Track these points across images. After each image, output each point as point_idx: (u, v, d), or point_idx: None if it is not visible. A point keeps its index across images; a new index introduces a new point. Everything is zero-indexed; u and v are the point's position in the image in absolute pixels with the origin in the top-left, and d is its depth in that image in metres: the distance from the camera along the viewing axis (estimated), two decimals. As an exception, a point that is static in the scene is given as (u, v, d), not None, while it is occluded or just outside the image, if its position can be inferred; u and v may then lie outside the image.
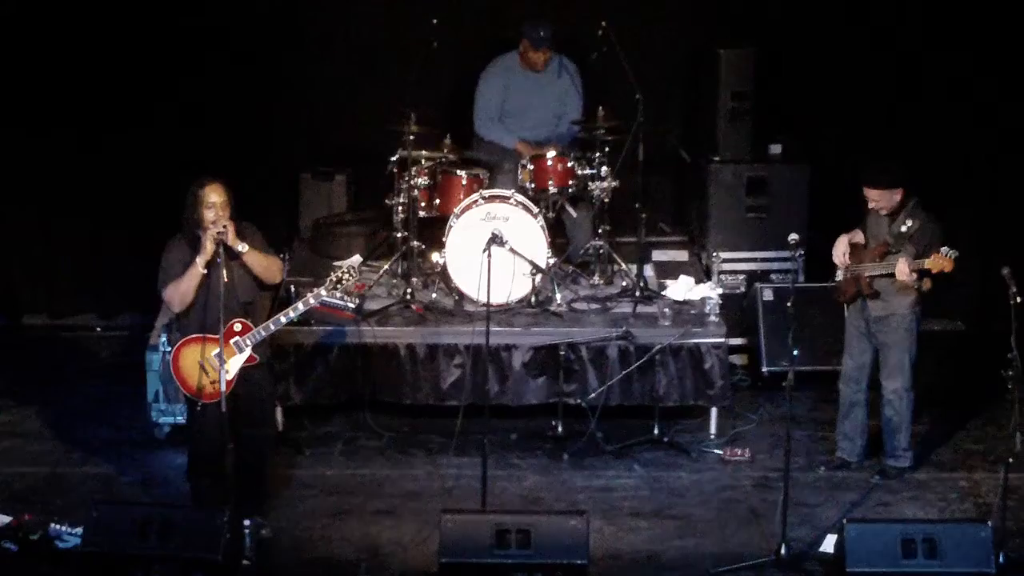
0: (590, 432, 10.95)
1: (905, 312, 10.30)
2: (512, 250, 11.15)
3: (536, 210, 11.62)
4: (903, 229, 10.20)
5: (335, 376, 11.21)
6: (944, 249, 9.90)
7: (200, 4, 12.69)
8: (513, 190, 11.73)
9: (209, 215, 9.42)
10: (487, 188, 11.81)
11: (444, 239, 11.58)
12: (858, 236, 10.44)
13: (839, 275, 10.50)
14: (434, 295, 11.70)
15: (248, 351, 9.53)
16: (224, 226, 9.37)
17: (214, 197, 9.44)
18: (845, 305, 10.52)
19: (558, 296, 11.58)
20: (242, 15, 12.76)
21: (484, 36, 12.86)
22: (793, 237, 10.24)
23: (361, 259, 12.16)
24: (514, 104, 12.38)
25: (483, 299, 10.40)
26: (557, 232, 12.11)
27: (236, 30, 12.76)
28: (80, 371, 12.32)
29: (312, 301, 9.77)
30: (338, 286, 9.75)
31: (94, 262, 13.11)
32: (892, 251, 10.20)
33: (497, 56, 12.44)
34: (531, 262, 11.30)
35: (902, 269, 10.05)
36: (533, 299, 11.49)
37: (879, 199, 10.26)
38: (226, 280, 9.39)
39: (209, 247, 9.37)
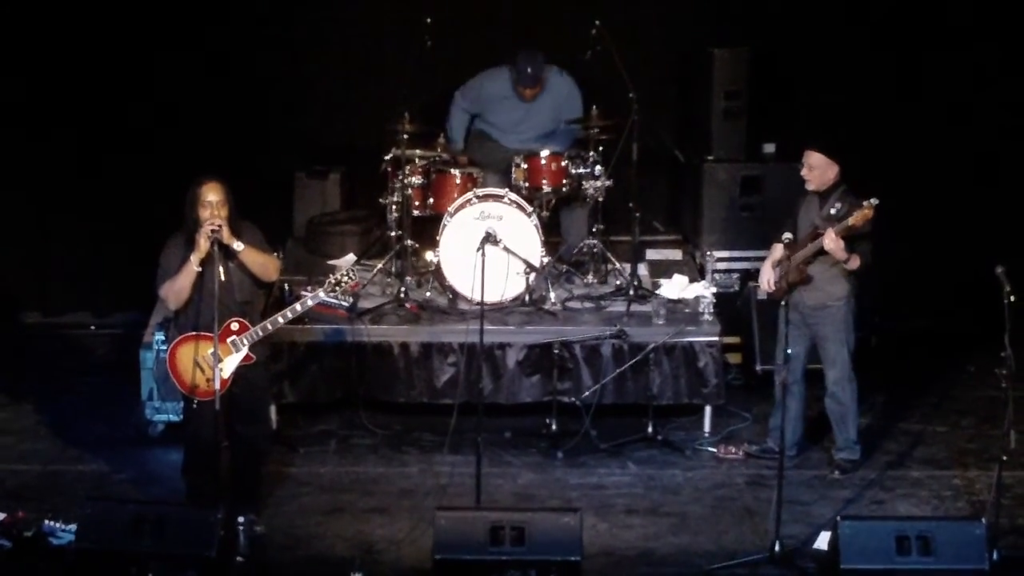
0: (584, 430, 10.96)
1: (839, 303, 10.28)
2: (506, 249, 11.17)
3: (530, 209, 11.63)
4: (832, 212, 10.14)
5: (329, 374, 11.22)
6: (864, 202, 9.88)
7: (196, 4, 12.69)
8: (507, 189, 11.74)
9: (205, 214, 9.42)
10: (481, 187, 11.81)
11: (438, 238, 11.59)
12: (777, 252, 10.39)
13: (762, 294, 10.50)
14: (428, 294, 11.71)
15: (245, 350, 9.53)
16: (218, 224, 9.37)
17: (211, 196, 9.44)
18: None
19: (552, 295, 11.59)
20: (238, 14, 12.77)
21: (478, 35, 12.86)
22: (787, 236, 10.27)
23: (355, 258, 12.18)
24: (506, 119, 12.34)
25: (477, 298, 10.38)
26: (551, 231, 12.11)
27: (232, 29, 12.77)
28: (74, 369, 12.31)
29: (310, 302, 9.77)
30: (337, 288, 9.75)
31: (89, 260, 13.09)
32: (821, 233, 10.17)
33: (502, 66, 12.37)
34: (525, 261, 11.31)
35: (830, 236, 9.99)
36: (527, 298, 11.50)
37: (815, 166, 10.23)
38: (222, 279, 9.39)
39: (203, 245, 9.37)
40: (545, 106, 12.30)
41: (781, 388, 10.35)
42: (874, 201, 9.83)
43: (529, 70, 12.10)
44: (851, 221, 9.89)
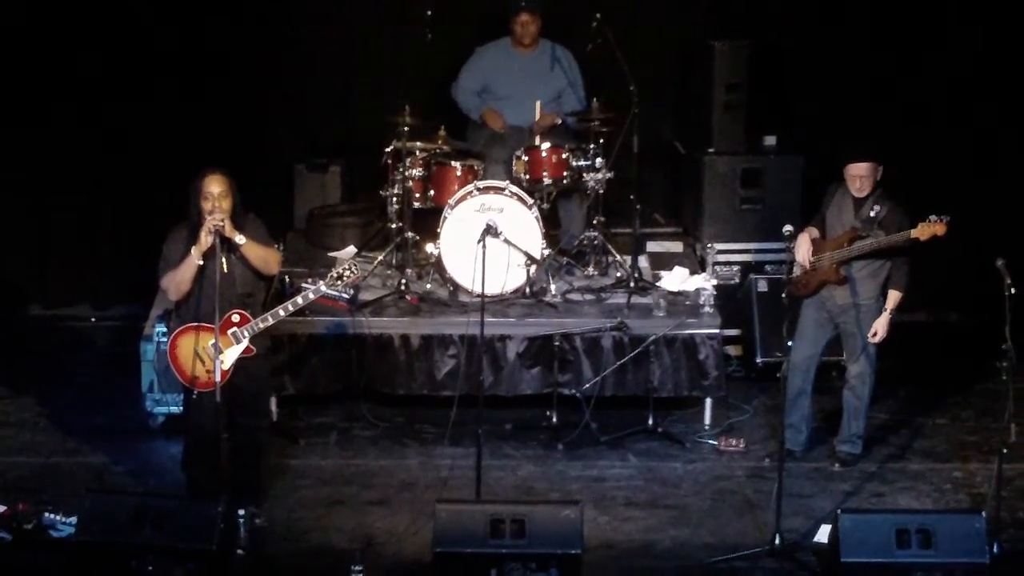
0: (584, 422, 10.96)
1: (869, 301, 10.28)
2: (507, 241, 11.16)
3: (530, 201, 11.62)
4: (872, 214, 10.16)
5: (330, 366, 11.22)
6: (933, 216, 9.87)
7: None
8: (507, 181, 11.73)
9: (207, 205, 9.42)
10: (481, 179, 11.80)
11: (438, 230, 11.58)
12: (814, 233, 10.39)
13: (796, 271, 10.41)
14: (429, 286, 11.71)
15: (245, 342, 9.53)
16: (221, 220, 9.36)
17: (213, 187, 9.44)
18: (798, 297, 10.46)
19: (553, 287, 11.59)
20: (238, 7, 12.76)
21: (478, 28, 12.85)
22: (787, 228, 10.26)
23: (355, 250, 12.17)
24: (503, 86, 12.33)
25: (478, 290, 10.39)
26: (551, 223, 12.11)
27: (231, 22, 12.75)
28: (75, 361, 12.33)
29: (312, 295, 9.78)
30: (338, 280, 9.75)
31: (89, 253, 13.11)
32: (862, 235, 10.16)
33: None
34: (526, 253, 11.31)
35: (883, 327, 10.13)
36: (528, 290, 11.49)
37: (867, 175, 10.19)
38: (224, 271, 9.39)
39: (204, 240, 9.37)
40: (544, 60, 12.30)
41: (793, 387, 10.33)
42: (946, 218, 9.81)
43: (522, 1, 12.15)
44: (915, 234, 9.91)
